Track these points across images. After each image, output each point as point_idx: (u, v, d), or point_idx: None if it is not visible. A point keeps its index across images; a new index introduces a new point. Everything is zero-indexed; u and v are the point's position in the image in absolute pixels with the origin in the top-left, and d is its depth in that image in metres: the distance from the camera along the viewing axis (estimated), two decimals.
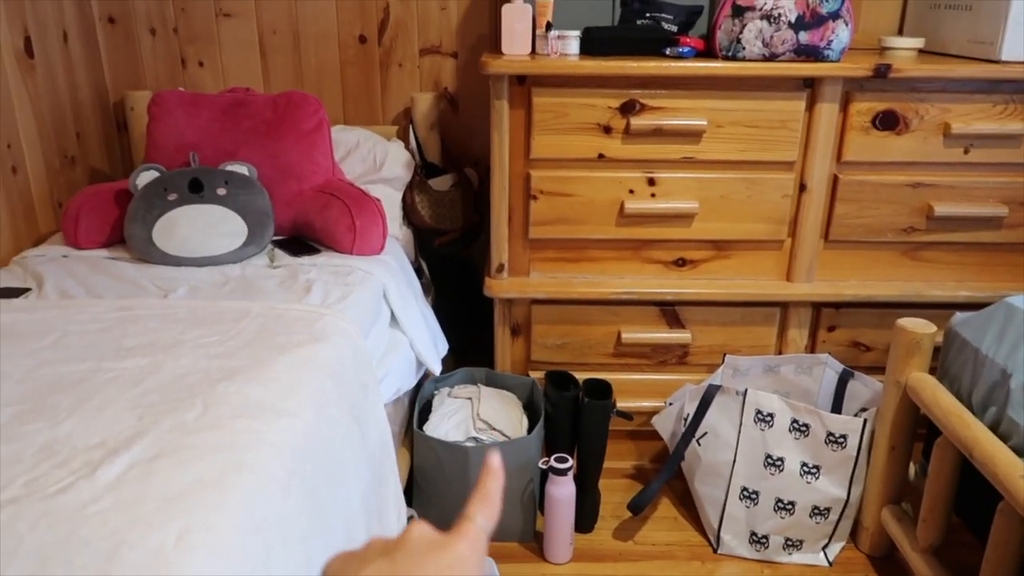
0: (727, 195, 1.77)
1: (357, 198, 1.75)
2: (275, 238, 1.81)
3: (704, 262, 1.85)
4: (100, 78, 2.19)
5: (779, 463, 1.64)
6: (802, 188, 1.77)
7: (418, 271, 2.02)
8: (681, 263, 1.85)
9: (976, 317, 1.49)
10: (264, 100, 1.86)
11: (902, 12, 2.13)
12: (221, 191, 1.69)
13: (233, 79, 2.22)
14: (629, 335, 1.88)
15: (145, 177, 1.70)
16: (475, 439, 1.72)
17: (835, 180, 1.77)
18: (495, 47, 1.91)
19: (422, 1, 2.16)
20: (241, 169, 1.73)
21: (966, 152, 1.74)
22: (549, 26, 1.75)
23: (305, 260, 1.69)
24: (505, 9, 1.74)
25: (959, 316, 1.55)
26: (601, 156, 1.74)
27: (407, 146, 2.13)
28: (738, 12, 1.65)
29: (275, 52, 2.20)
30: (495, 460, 0.49)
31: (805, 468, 1.63)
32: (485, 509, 0.46)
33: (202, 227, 1.64)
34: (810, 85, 1.70)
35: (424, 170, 2.09)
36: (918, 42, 1.90)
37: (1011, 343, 1.36)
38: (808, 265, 1.82)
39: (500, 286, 1.85)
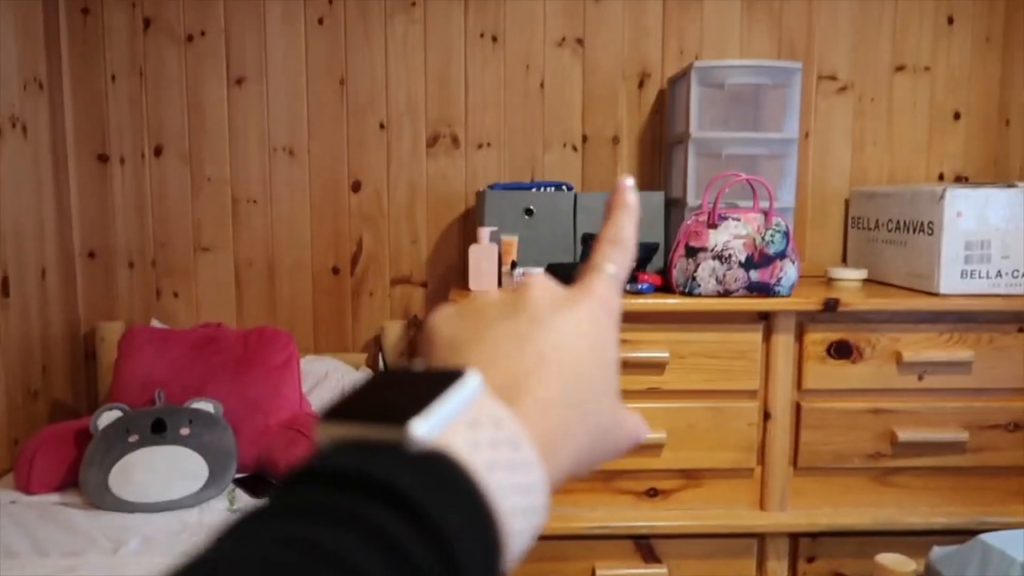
0: (694, 424, 1.79)
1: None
2: (237, 476, 1.76)
3: (676, 492, 1.82)
4: (74, 311, 2.23)
5: None
6: (767, 416, 1.80)
7: None
8: (653, 493, 1.82)
9: (955, 554, 1.46)
10: (235, 336, 1.89)
11: (844, 243, 2.28)
12: (184, 431, 1.66)
13: (207, 309, 2.27)
14: (604, 571, 1.80)
15: (107, 417, 1.68)
16: None
17: (798, 408, 1.80)
18: (464, 278, 1.99)
19: (394, 235, 2.27)
20: (207, 407, 1.72)
21: (920, 379, 1.79)
22: (514, 264, 1.84)
23: None
24: (472, 249, 1.83)
25: (937, 551, 1.52)
26: None
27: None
28: (691, 252, 1.75)
29: (250, 283, 2.27)
30: (629, 185, 0.39)
31: None
32: (615, 253, 0.37)
33: (162, 470, 1.60)
34: (765, 318, 1.77)
35: None
36: (862, 273, 2.02)
37: None
38: (780, 493, 1.81)
39: None
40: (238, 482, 1.74)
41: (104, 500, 1.59)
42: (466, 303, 0.36)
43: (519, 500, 0.27)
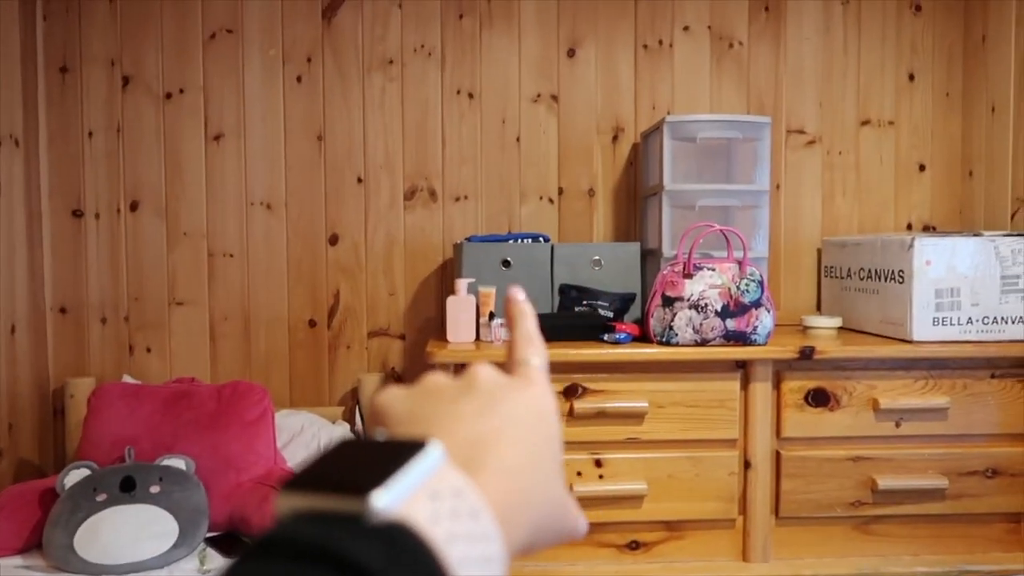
0: (674, 474, 1.77)
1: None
2: (209, 535, 1.71)
3: (658, 544, 1.79)
4: (43, 367, 2.19)
5: None
6: (747, 465, 1.79)
7: None
8: (635, 546, 1.79)
9: None
10: (208, 391, 1.86)
11: (817, 292, 2.31)
12: (154, 488, 1.62)
13: (180, 364, 2.24)
14: None
15: (75, 476, 1.63)
16: None
17: (778, 456, 1.79)
18: (442, 329, 1.98)
19: (371, 287, 2.27)
20: (178, 463, 1.68)
21: (897, 425, 1.80)
22: (492, 315, 1.84)
23: None
24: (450, 301, 1.83)
25: None
26: None
27: (353, 427, 2.12)
28: (668, 302, 1.76)
29: (225, 337, 2.25)
30: (518, 294, 0.43)
31: None
32: (533, 348, 0.40)
33: (129, 530, 1.55)
34: (743, 366, 1.78)
35: None
36: (836, 321, 2.05)
37: None
38: (763, 544, 1.79)
39: None
40: (210, 541, 1.69)
41: (69, 562, 1.53)
42: (414, 385, 0.37)
43: (477, 571, 0.27)
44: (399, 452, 0.28)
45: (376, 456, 0.28)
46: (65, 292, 2.22)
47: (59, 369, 2.22)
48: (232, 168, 2.25)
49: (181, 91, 2.24)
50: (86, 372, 2.22)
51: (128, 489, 1.61)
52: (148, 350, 2.24)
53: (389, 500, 0.26)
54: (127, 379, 2.14)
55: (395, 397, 0.36)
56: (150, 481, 1.63)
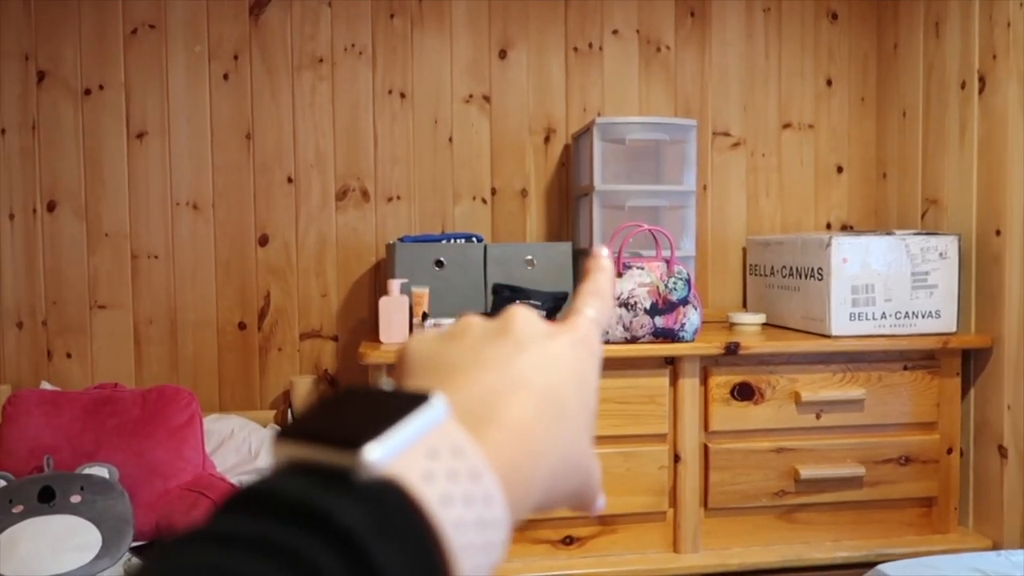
0: (606, 469, 1.80)
1: (225, 494, 1.66)
2: (135, 544, 1.67)
3: (591, 538, 1.82)
4: None
5: None
6: (676, 459, 1.83)
7: None
8: (569, 541, 1.82)
9: None
10: (132, 396, 1.81)
11: (743, 288, 2.38)
12: (75, 498, 1.57)
13: (103, 369, 2.17)
14: None
15: None
16: None
17: (706, 449, 1.84)
18: (374, 330, 1.97)
19: (303, 288, 2.24)
20: (100, 472, 1.63)
21: (818, 417, 1.87)
22: (425, 315, 1.84)
23: None
24: (382, 302, 1.82)
25: None
26: None
27: None
28: None
29: (150, 341, 2.18)
30: (605, 253, 0.41)
31: None
32: (596, 301, 0.38)
33: (49, 542, 1.50)
34: (671, 362, 1.82)
35: None
36: (760, 317, 2.11)
37: None
38: (692, 535, 1.84)
39: None
40: (136, 551, 1.64)
41: None
42: (450, 326, 0.35)
43: (475, 536, 0.25)
44: (400, 405, 0.26)
45: (376, 407, 0.27)
46: None
47: None
48: (156, 167, 2.19)
49: (101, 87, 2.17)
50: (1, 379, 2.13)
51: (47, 499, 1.55)
52: (68, 355, 2.16)
53: (382, 454, 0.24)
54: (45, 386, 2.06)
55: (422, 340, 0.35)
56: (70, 491, 1.57)
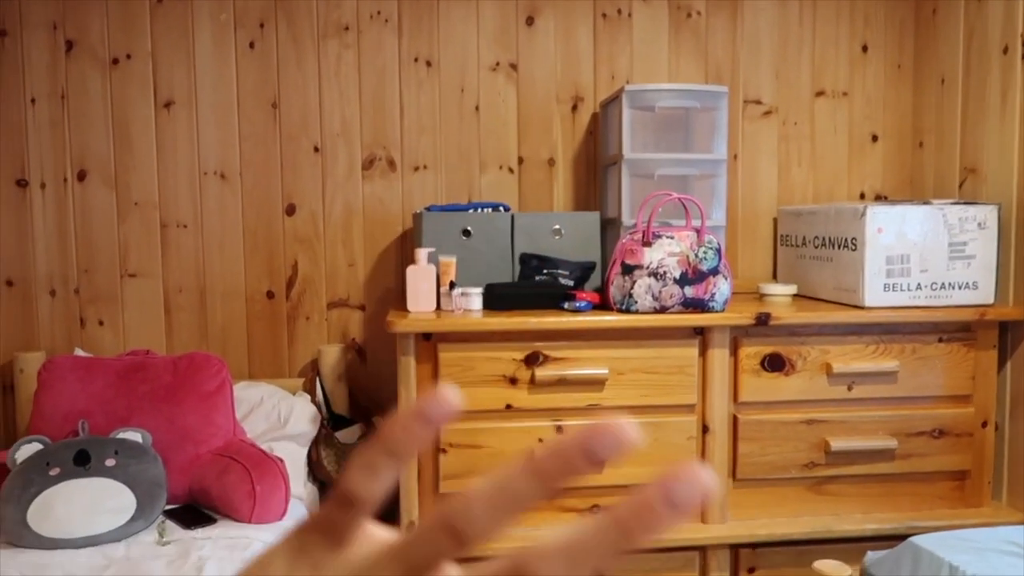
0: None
1: (258, 461, 1.68)
2: (168, 507, 1.69)
3: None
4: None
5: None
6: (705, 429, 1.82)
7: None
8: (596, 510, 1.82)
9: (887, 558, 1.50)
10: (164, 363, 1.82)
11: (774, 260, 2.35)
12: (110, 462, 1.59)
13: (135, 337, 2.19)
14: None
15: (26, 451, 1.59)
16: None
17: (735, 420, 1.83)
18: (401, 300, 1.97)
19: (330, 258, 2.24)
20: (134, 436, 1.65)
21: (850, 389, 1.84)
22: (452, 284, 1.83)
23: (199, 533, 1.58)
24: (410, 271, 1.82)
25: (871, 556, 1.56)
26: (509, 407, 1.76)
27: (313, 399, 2.10)
28: (627, 270, 1.78)
29: (180, 310, 2.20)
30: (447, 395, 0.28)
31: None
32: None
33: (85, 504, 1.52)
34: (701, 333, 1.81)
35: (331, 422, 2.05)
36: (791, 288, 2.08)
37: None
38: (720, 505, 1.83)
39: None
40: (169, 513, 1.67)
41: (23, 538, 1.50)
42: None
43: None
44: None
45: None
46: (11, 264, 2.15)
47: (7, 344, 2.16)
48: (183, 136, 2.19)
49: (128, 57, 2.17)
50: (36, 346, 2.16)
51: (82, 463, 1.58)
52: (100, 323, 2.18)
53: None
54: (79, 352, 2.09)
55: None
56: (105, 454, 1.60)
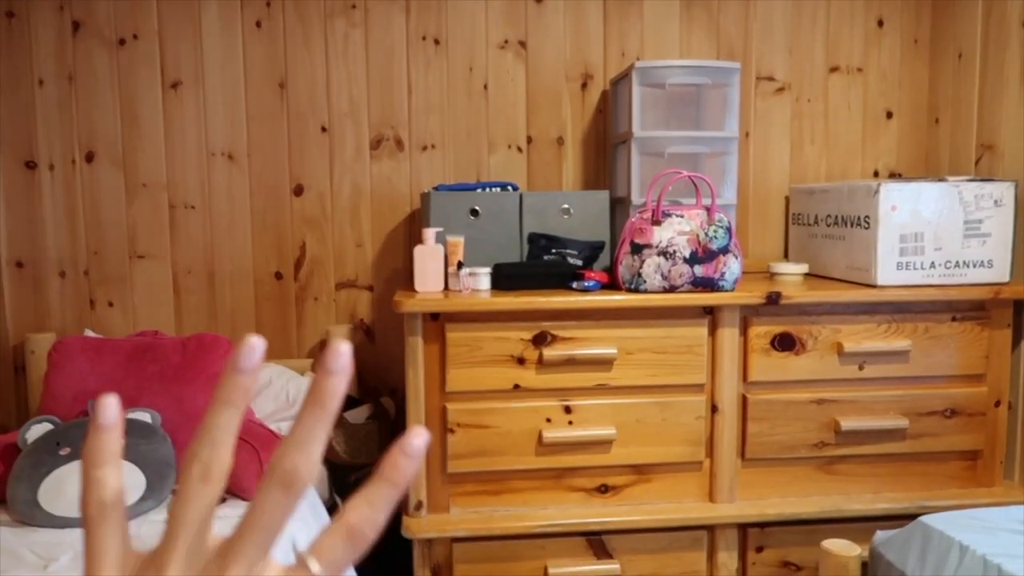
0: (642, 419, 1.79)
1: (266, 441, 1.68)
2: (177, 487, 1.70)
3: (626, 487, 1.82)
4: (1, 323, 2.13)
5: None
6: (714, 409, 1.81)
7: (332, 511, 1.92)
8: (604, 489, 1.82)
9: (897, 537, 1.49)
10: (173, 343, 1.83)
11: (785, 239, 2.32)
12: None
13: (144, 318, 2.20)
14: (556, 570, 1.79)
15: (36, 431, 1.60)
16: None
17: (744, 400, 1.82)
18: (409, 280, 1.97)
19: (338, 238, 2.24)
20: (144, 416, 1.66)
21: (861, 368, 1.83)
22: (460, 264, 1.82)
23: None
24: (417, 250, 1.81)
25: (880, 535, 1.55)
26: (517, 387, 1.76)
27: None
28: (636, 249, 1.76)
29: (188, 292, 2.21)
30: (417, 440, 0.30)
31: None
32: (337, 546, 0.29)
33: None
34: (710, 312, 1.79)
35: None
36: (803, 267, 2.06)
37: (934, 566, 1.36)
38: (729, 485, 1.82)
39: (419, 525, 1.76)
40: None
41: (34, 516, 1.51)
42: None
43: None
44: None
45: None
46: (21, 246, 2.16)
47: (18, 325, 2.17)
48: (191, 117, 2.19)
49: (135, 36, 2.16)
50: (46, 327, 2.18)
51: None
52: (110, 304, 2.19)
53: None
54: (88, 333, 2.10)
55: None
56: None
